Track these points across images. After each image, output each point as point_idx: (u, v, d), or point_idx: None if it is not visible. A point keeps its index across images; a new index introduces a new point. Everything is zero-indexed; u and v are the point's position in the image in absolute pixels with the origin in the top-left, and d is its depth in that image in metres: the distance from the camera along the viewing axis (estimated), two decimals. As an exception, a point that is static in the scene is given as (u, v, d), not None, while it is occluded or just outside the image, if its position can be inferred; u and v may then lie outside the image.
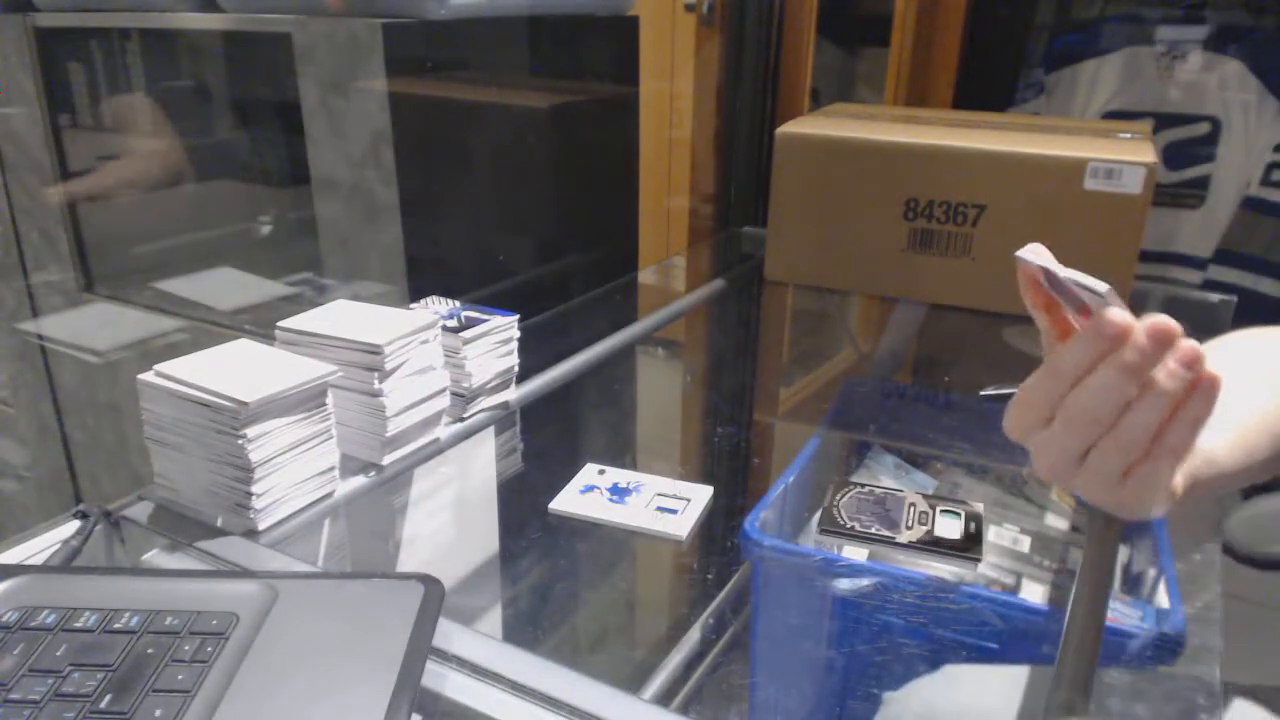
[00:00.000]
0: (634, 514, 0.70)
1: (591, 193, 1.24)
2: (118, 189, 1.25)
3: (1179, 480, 0.44)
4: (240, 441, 0.58)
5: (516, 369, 0.83)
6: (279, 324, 0.70)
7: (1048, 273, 0.41)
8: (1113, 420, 0.40)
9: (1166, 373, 0.39)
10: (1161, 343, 0.39)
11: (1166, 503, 0.43)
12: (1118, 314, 0.39)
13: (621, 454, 0.89)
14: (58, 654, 0.42)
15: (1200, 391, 0.40)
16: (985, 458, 0.81)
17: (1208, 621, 0.56)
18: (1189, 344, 0.39)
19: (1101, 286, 0.39)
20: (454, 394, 0.77)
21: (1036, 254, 0.42)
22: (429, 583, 0.47)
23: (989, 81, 1.67)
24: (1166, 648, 0.51)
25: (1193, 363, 0.39)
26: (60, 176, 1.25)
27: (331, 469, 0.66)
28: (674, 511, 0.70)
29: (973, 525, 0.60)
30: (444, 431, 0.76)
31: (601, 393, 0.98)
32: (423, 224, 0.97)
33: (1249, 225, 1.51)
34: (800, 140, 1.08)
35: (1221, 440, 0.48)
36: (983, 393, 0.89)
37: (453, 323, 0.76)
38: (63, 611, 0.44)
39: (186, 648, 0.42)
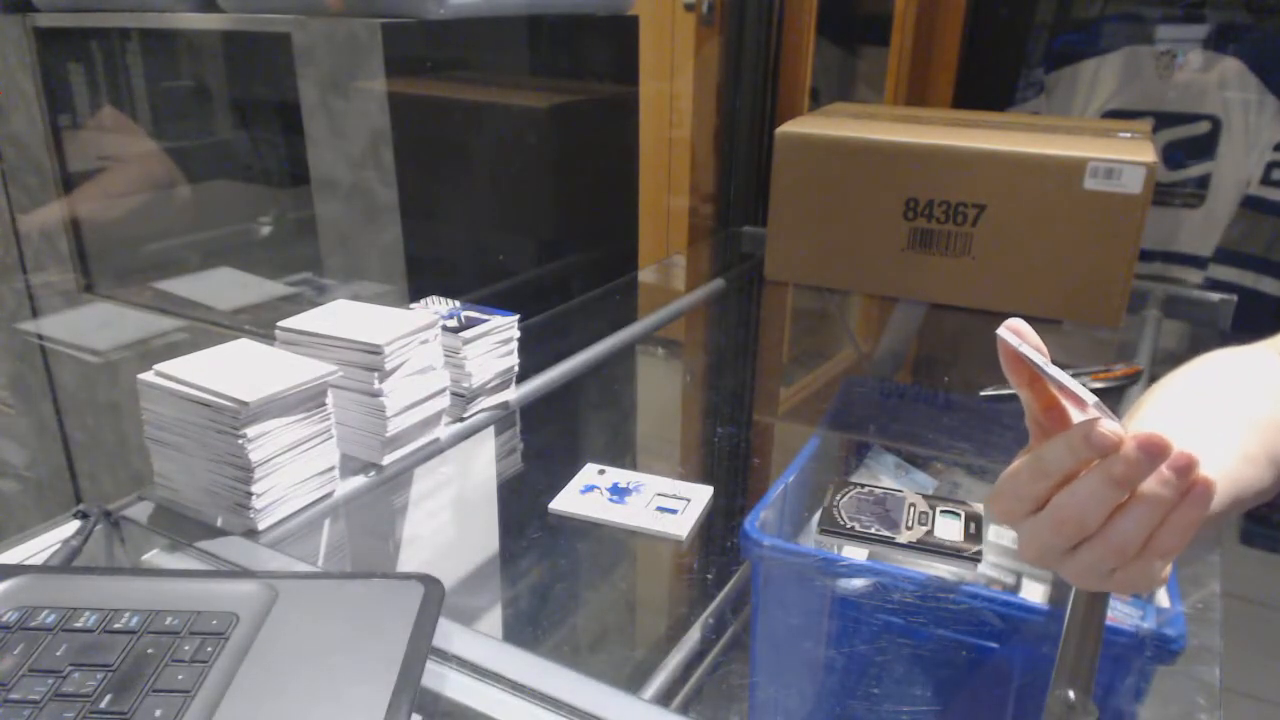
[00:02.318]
0: (634, 514, 0.70)
1: (591, 192, 1.24)
2: (110, 198, 1.26)
3: None
4: (240, 441, 0.58)
5: (516, 369, 0.83)
6: (279, 324, 0.70)
7: (1032, 360, 0.40)
8: (1099, 524, 0.40)
9: (1160, 480, 0.38)
10: (1153, 456, 0.38)
11: (1164, 582, 0.43)
12: (1109, 426, 0.38)
13: (621, 454, 0.89)
14: (58, 654, 0.42)
15: (1194, 497, 0.39)
16: (985, 458, 0.81)
17: (1208, 621, 0.56)
18: (1182, 450, 0.38)
19: (1090, 397, 0.39)
20: (454, 394, 0.77)
21: (1020, 337, 0.41)
22: (429, 583, 0.47)
23: (989, 81, 1.67)
24: (1166, 648, 0.51)
25: (1186, 469, 0.38)
26: (60, 178, 1.25)
27: (331, 469, 0.66)
28: (674, 511, 0.70)
29: (973, 525, 0.60)
30: (444, 431, 0.76)
31: (601, 393, 0.98)
32: (423, 224, 0.97)
33: (1249, 224, 1.51)
34: (800, 140, 1.08)
35: None
36: (983, 393, 0.89)
37: (453, 323, 0.76)
38: (63, 611, 0.44)
39: (186, 648, 0.42)
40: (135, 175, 1.24)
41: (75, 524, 0.60)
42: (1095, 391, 0.40)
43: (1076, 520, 0.40)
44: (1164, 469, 0.38)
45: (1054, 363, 0.41)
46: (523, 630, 0.65)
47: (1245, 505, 0.49)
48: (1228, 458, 0.47)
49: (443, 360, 0.74)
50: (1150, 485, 0.39)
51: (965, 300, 1.05)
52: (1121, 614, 0.55)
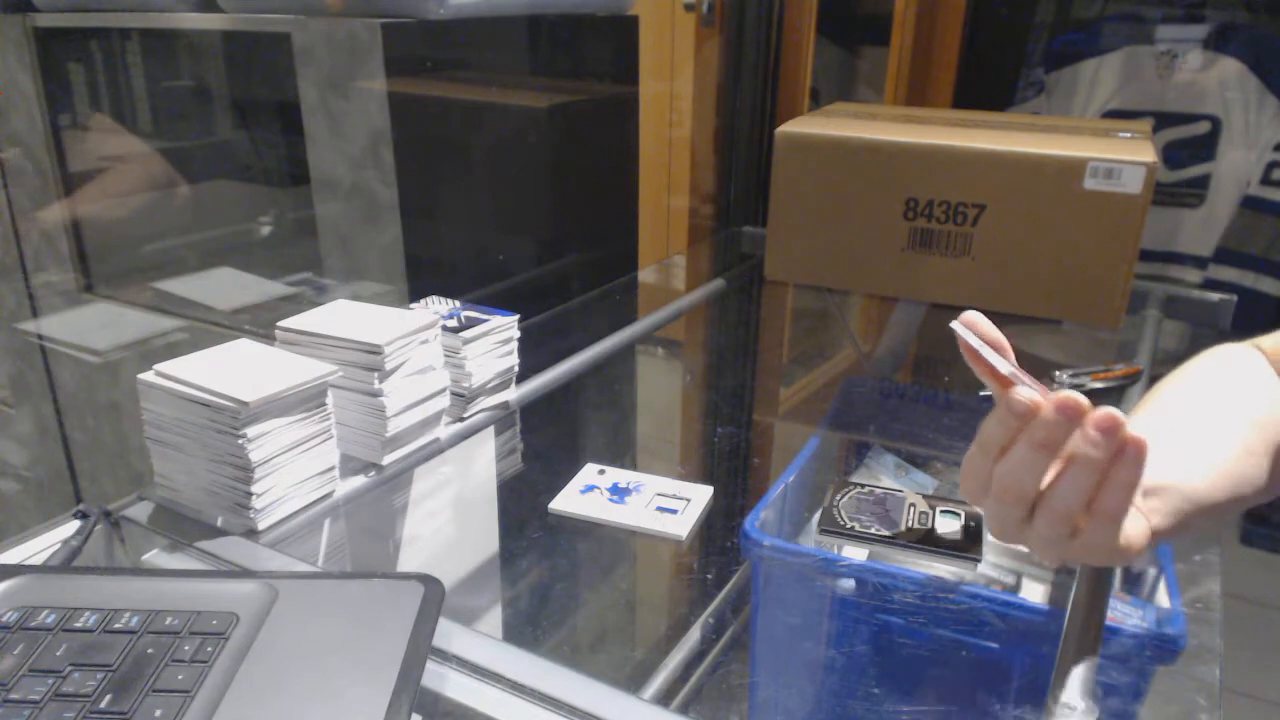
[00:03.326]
0: (634, 514, 0.70)
1: (591, 193, 1.24)
2: (110, 199, 1.26)
3: (1159, 522, 0.46)
4: (240, 441, 0.58)
5: (516, 369, 0.83)
6: (279, 324, 0.70)
7: (978, 351, 0.43)
8: (1035, 491, 0.42)
9: (1087, 441, 0.40)
10: (1069, 417, 0.40)
11: (1133, 552, 0.44)
12: (1024, 392, 0.40)
13: (621, 454, 0.89)
14: (58, 654, 0.42)
15: (1126, 457, 0.40)
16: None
17: (1208, 621, 0.56)
18: (1106, 411, 0.40)
19: (1024, 379, 0.41)
20: (454, 394, 0.77)
21: (975, 328, 0.43)
22: (429, 583, 0.47)
23: (989, 81, 1.67)
24: (1166, 648, 0.51)
25: (1111, 429, 0.39)
26: (61, 177, 1.25)
27: (331, 469, 0.66)
28: (674, 511, 0.70)
29: (973, 525, 0.60)
30: (444, 431, 0.76)
31: (601, 393, 0.98)
32: (423, 224, 0.97)
33: (1249, 224, 1.51)
34: (800, 140, 1.08)
35: (1201, 476, 0.49)
36: (983, 393, 0.89)
37: (453, 323, 0.76)
38: (63, 611, 0.44)
39: (186, 648, 0.42)
40: (132, 178, 1.24)
41: (75, 524, 0.60)
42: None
43: (1015, 488, 0.42)
44: (1090, 430, 0.40)
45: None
46: (523, 630, 0.65)
47: (1247, 501, 0.50)
48: (1228, 450, 0.49)
49: (443, 360, 0.74)
50: (1080, 449, 0.40)
51: (965, 300, 1.05)
52: (1121, 614, 0.55)
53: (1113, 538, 0.43)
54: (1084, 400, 0.39)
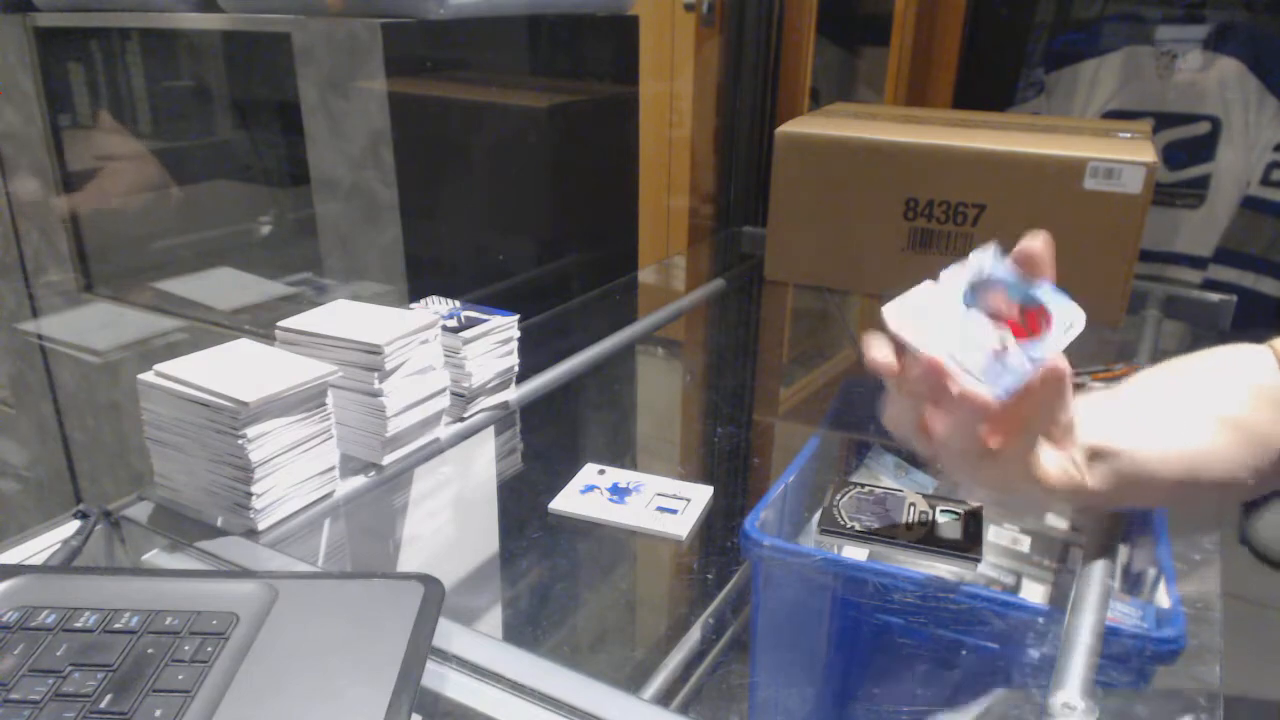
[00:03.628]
0: (634, 514, 0.70)
1: (591, 193, 1.24)
2: (110, 199, 1.26)
3: (1096, 483, 0.49)
4: (240, 441, 0.58)
5: (516, 369, 0.83)
6: (279, 324, 0.70)
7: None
8: (914, 430, 0.50)
9: (949, 402, 0.46)
10: (934, 373, 0.46)
11: (1048, 485, 0.48)
12: (876, 349, 0.50)
13: (621, 454, 0.89)
14: (58, 654, 0.42)
15: (1048, 383, 0.45)
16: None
17: (1208, 621, 0.56)
18: (968, 387, 0.45)
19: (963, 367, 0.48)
20: (454, 394, 0.77)
21: (1026, 252, 0.53)
22: (429, 583, 0.47)
23: (989, 81, 1.67)
24: (1166, 648, 0.51)
25: (971, 400, 0.45)
26: (60, 177, 1.25)
27: (331, 469, 0.66)
28: (674, 511, 0.70)
29: (973, 525, 0.60)
30: (444, 431, 0.76)
31: (601, 393, 0.98)
32: (423, 224, 0.97)
33: (1249, 225, 1.51)
34: (800, 140, 1.08)
35: (1151, 448, 0.51)
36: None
37: (453, 323, 0.76)
38: (63, 611, 0.44)
39: (186, 648, 0.42)
40: (132, 178, 1.24)
41: (75, 524, 0.60)
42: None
43: (899, 429, 0.51)
44: (950, 391, 0.46)
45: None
46: (523, 630, 0.65)
47: (1217, 489, 0.52)
48: (1195, 432, 0.51)
49: (443, 360, 0.74)
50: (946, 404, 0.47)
51: (965, 300, 1.05)
52: (1121, 614, 0.55)
53: (1026, 461, 0.47)
54: (940, 362, 0.46)
